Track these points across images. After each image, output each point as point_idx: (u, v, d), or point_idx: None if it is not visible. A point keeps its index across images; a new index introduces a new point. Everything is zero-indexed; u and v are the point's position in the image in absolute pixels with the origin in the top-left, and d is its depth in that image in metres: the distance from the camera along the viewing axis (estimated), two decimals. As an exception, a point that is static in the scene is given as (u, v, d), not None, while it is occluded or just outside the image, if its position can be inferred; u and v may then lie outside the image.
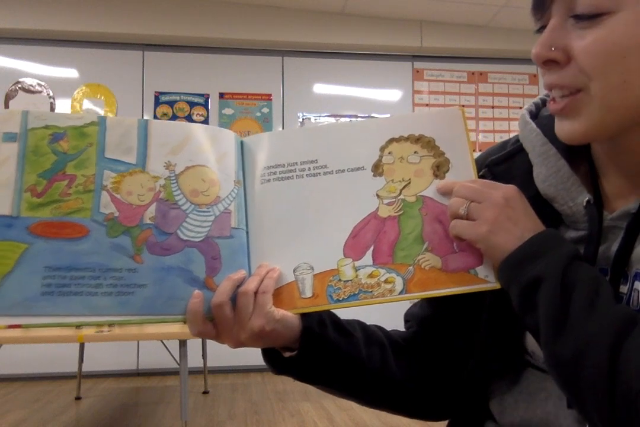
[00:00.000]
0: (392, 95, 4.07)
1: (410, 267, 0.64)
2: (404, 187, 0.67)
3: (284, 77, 3.97)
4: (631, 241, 0.56)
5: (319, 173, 0.69)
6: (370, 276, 0.65)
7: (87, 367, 3.37)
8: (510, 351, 0.65)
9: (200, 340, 3.22)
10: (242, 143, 0.71)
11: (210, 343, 3.21)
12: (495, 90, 4.21)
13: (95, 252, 0.61)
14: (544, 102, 0.70)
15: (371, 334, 0.72)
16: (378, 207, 0.67)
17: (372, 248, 0.66)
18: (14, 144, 0.62)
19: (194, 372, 3.29)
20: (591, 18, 0.53)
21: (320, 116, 3.93)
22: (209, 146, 0.67)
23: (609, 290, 0.52)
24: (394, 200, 0.67)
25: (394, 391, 0.72)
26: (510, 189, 0.60)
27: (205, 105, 3.85)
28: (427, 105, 4.09)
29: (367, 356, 0.69)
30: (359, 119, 3.84)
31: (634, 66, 0.52)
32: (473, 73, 4.15)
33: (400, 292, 0.64)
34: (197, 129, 0.67)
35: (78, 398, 3.29)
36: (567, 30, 0.55)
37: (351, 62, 4.02)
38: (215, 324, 0.62)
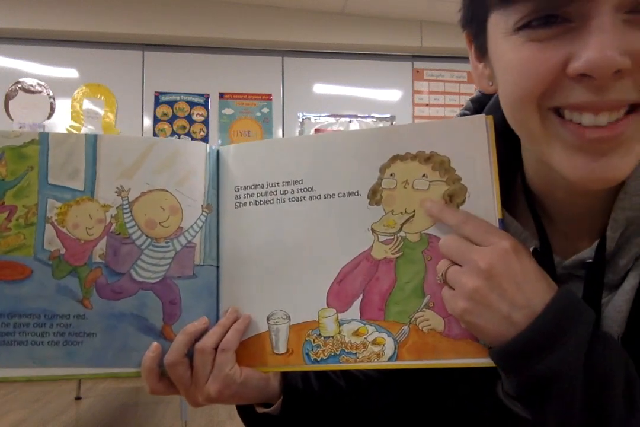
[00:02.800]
0: (392, 95, 4.06)
1: (405, 327, 0.52)
2: (405, 222, 0.54)
3: (284, 77, 3.96)
4: (594, 296, 0.49)
5: (304, 197, 0.56)
6: (356, 333, 0.54)
7: (87, 367, 3.36)
8: (484, 394, 0.56)
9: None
10: (218, 154, 0.60)
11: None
12: (495, 90, 4.21)
13: (39, 296, 0.54)
14: None
15: (353, 379, 0.65)
16: (372, 246, 0.54)
17: (360, 298, 0.54)
18: None
19: (193, 372, 3.27)
20: None
21: (320, 116, 3.92)
22: (171, 164, 0.57)
23: (635, 370, 0.44)
24: (392, 237, 0.54)
25: None
26: (500, 247, 0.47)
27: (205, 105, 3.84)
28: (427, 105, 4.09)
29: (350, 404, 0.63)
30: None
31: None
32: (473, 73, 4.15)
33: (390, 358, 0.52)
34: (157, 143, 0.57)
35: (78, 398, 3.29)
36: (620, 29, 0.40)
37: (351, 62, 4.01)
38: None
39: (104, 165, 0.56)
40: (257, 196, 0.58)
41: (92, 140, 0.56)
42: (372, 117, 3.97)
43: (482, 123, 0.53)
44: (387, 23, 3.92)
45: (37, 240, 0.55)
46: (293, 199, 0.57)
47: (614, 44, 0.40)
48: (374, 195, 0.55)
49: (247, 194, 0.58)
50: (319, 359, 0.54)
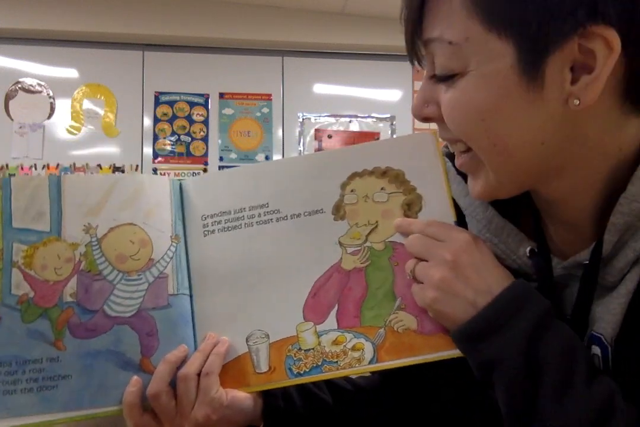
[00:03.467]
0: (392, 95, 4.06)
1: (381, 330, 0.56)
2: (370, 232, 0.58)
3: (284, 77, 3.96)
4: (587, 297, 0.51)
5: (271, 219, 0.59)
6: (335, 342, 0.56)
7: (87, 367, 3.37)
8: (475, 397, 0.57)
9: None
10: (181, 187, 0.61)
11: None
12: (495, 90, 4.20)
13: (9, 343, 0.53)
14: None
15: (339, 390, 0.65)
16: (341, 258, 0.58)
17: (335, 308, 0.57)
18: None
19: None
20: (446, 79, 0.49)
21: (320, 116, 3.92)
22: (136, 199, 0.57)
23: (583, 365, 0.44)
24: (359, 248, 0.58)
25: None
26: (461, 240, 0.52)
27: (205, 105, 3.84)
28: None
29: (336, 416, 0.64)
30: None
31: (494, 130, 0.47)
32: (473, 73, 4.14)
33: (371, 361, 0.55)
34: (120, 180, 0.58)
35: (78, 398, 3.29)
36: (431, 87, 0.52)
37: (351, 62, 4.00)
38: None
39: (69, 204, 0.56)
40: (225, 223, 0.59)
41: (56, 182, 0.56)
42: (372, 117, 3.97)
43: (428, 139, 0.59)
44: (387, 23, 3.91)
45: (4, 285, 0.54)
46: (261, 222, 0.59)
47: (423, 98, 0.52)
48: (338, 211, 0.59)
49: (215, 221, 0.60)
50: (302, 372, 0.56)
